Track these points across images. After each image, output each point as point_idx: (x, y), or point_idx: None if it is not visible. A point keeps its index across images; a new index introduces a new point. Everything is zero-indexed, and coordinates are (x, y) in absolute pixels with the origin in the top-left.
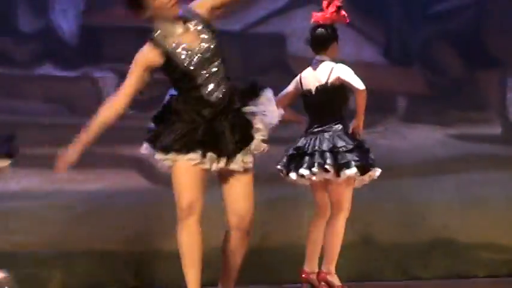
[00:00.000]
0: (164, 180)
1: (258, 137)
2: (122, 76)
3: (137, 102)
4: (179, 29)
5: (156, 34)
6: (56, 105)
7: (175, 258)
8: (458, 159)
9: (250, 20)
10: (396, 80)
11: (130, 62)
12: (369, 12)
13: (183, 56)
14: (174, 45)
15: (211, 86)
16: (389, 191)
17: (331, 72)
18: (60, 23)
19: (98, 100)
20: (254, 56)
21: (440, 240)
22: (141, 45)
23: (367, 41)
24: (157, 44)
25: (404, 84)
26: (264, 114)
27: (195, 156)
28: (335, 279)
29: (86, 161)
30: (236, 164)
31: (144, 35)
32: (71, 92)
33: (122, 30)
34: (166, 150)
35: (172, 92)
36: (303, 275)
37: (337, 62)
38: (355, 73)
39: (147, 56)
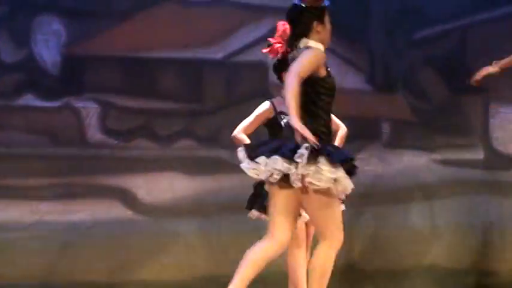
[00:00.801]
0: (145, 210)
1: None
2: (104, 106)
3: (120, 133)
4: None
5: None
6: (37, 136)
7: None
8: (443, 184)
9: (232, 49)
10: (380, 106)
11: (112, 92)
12: (352, 40)
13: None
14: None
15: None
16: (374, 217)
17: None
18: (42, 53)
19: (80, 130)
20: (237, 84)
21: (423, 265)
22: (122, 75)
23: (351, 68)
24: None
25: (388, 110)
26: None
27: None
28: None
29: (67, 192)
30: None
31: (126, 64)
32: (52, 123)
33: (104, 60)
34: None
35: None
36: None
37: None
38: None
39: (322, 57)
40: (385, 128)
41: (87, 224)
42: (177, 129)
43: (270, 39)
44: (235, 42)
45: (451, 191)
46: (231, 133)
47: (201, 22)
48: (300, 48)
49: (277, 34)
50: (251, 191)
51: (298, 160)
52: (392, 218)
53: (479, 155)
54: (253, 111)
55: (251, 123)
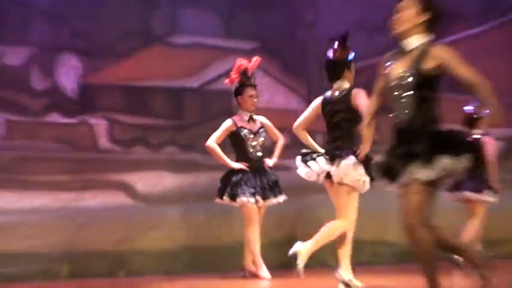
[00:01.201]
0: (141, 198)
1: None
2: (111, 122)
3: (122, 142)
4: None
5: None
6: (61, 144)
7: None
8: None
9: (205, 79)
10: (315, 122)
11: (116, 111)
12: (295, 73)
13: None
14: None
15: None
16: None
17: None
18: (64, 82)
19: (93, 140)
20: (209, 106)
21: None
22: (124, 99)
23: (294, 93)
24: None
25: (321, 125)
26: None
27: None
28: None
29: (83, 185)
30: None
31: (127, 91)
32: (72, 134)
33: (110, 88)
34: None
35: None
36: None
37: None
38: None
39: None
40: (319, 138)
41: (98, 209)
42: (164, 139)
43: (231, 73)
44: (208, 74)
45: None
46: (205, 142)
47: (182, 59)
48: (342, 89)
49: (234, 69)
50: (218, 184)
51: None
52: (323, 204)
53: None
54: (220, 126)
55: (219, 136)
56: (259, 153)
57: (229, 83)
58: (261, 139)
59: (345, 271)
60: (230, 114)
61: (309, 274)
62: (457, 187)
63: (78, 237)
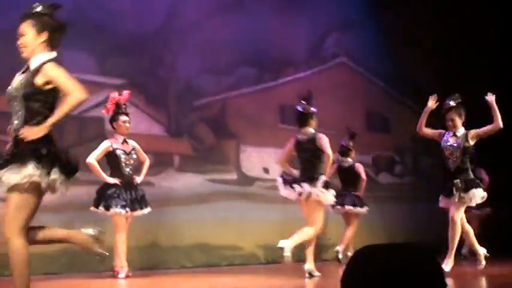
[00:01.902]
0: None
1: None
2: None
3: None
4: None
5: None
6: None
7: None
8: (211, 194)
9: (83, 108)
10: (174, 146)
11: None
12: (156, 104)
13: None
14: None
15: None
16: (170, 213)
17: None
18: None
19: None
20: (86, 130)
21: (198, 243)
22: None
23: (155, 122)
24: None
25: (178, 148)
26: None
27: None
28: None
29: None
30: None
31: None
32: None
33: None
34: None
35: None
36: None
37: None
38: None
39: None
40: (176, 159)
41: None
42: None
43: (107, 104)
44: (84, 104)
45: (216, 198)
46: (83, 160)
47: None
48: (309, 133)
49: (109, 100)
50: (93, 196)
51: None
52: (181, 214)
53: (233, 176)
54: (95, 148)
55: (98, 154)
56: (130, 171)
57: (106, 111)
58: (132, 159)
59: (310, 264)
60: (103, 137)
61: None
62: (340, 203)
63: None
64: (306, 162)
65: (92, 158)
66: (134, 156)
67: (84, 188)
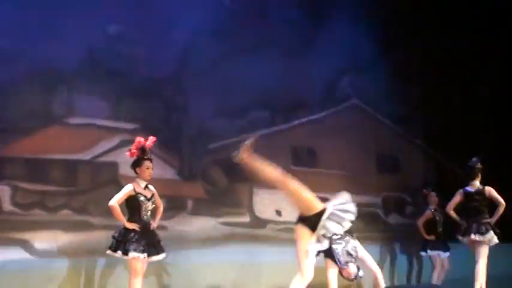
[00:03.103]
0: (38, 253)
1: None
2: (14, 188)
3: (24, 205)
4: None
5: None
6: None
7: None
8: (224, 237)
9: (95, 153)
10: (187, 190)
11: (20, 180)
12: (169, 147)
13: None
14: None
15: None
16: (185, 256)
17: None
18: None
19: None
20: (98, 175)
21: (212, 287)
22: (26, 169)
23: (168, 165)
24: None
25: (191, 191)
26: None
27: None
28: None
29: None
30: None
31: (30, 163)
32: None
33: (15, 160)
34: None
35: None
36: None
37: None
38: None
39: None
40: (189, 203)
41: (1, 262)
42: (60, 203)
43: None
44: (98, 149)
45: (229, 241)
46: (96, 205)
47: (76, 136)
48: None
49: (134, 145)
50: (106, 243)
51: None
52: (194, 258)
53: (246, 218)
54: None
55: (120, 198)
56: (149, 217)
57: (130, 155)
58: (152, 205)
59: None
60: (116, 182)
61: None
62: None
63: None
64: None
65: (115, 201)
66: (153, 202)
67: (96, 233)
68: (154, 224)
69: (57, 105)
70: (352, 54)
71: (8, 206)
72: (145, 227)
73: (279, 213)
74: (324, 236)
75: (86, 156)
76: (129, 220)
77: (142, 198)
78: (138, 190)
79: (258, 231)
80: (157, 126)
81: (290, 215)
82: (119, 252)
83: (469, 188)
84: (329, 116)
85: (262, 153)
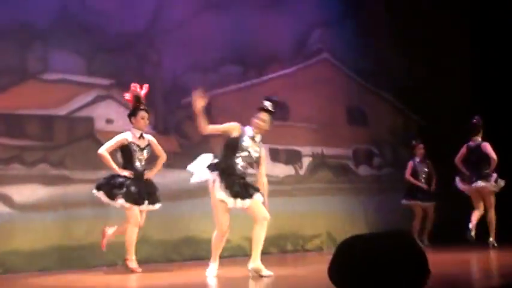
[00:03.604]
0: (17, 206)
1: None
2: None
3: (2, 160)
4: None
5: None
6: None
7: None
8: (198, 189)
9: (71, 108)
10: (161, 144)
11: None
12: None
13: None
14: None
15: None
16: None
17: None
18: None
19: None
20: (74, 130)
21: (186, 237)
22: (4, 126)
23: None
24: None
25: (166, 145)
26: None
27: None
28: None
29: None
30: None
31: (7, 119)
32: None
33: None
34: None
35: None
36: None
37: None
38: None
39: None
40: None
41: None
42: (37, 158)
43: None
44: (73, 104)
45: (203, 193)
46: (73, 159)
47: (52, 92)
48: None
49: (130, 92)
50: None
51: None
52: (170, 209)
53: None
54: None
55: (111, 146)
56: (143, 166)
57: (129, 102)
58: (148, 154)
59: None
60: (93, 137)
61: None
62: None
63: None
64: None
65: (103, 149)
66: (148, 151)
67: (74, 186)
68: (149, 174)
69: (32, 61)
70: (322, 9)
71: None
72: (138, 176)
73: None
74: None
75: (62, 111)
76: (122, 169)
77: (134, 147)
78: (131, 139)
79: None
80: (131, 81)
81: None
82: (101, 193)
83: (471, 143)
84: (300, 70)
85: (235, 107)
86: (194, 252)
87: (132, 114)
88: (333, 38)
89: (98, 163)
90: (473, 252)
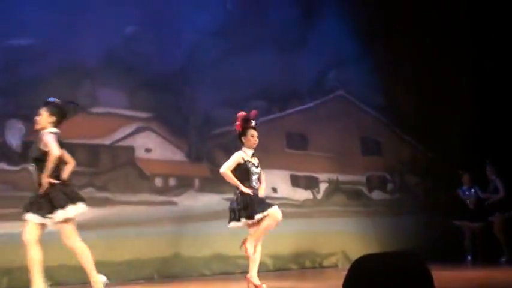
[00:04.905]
0: None
1: None
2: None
3: None
4: None
5: None
6: (6, 185)
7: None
8: (227, 211)
9: (115, 139)
10: (194, 170)
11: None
12: (178, 134)
13: None
14: None
15: None
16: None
17: None
18: (11, 140)
19: (32, 183)
20: (118, 158)
21: (216, 253)
22: None
23: (178, 149)
24: None
25: (198, 171)
26: None
27: None
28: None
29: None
30: None
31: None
32: (15, 178)
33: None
34: None
35: None
36: None
37: None
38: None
39: None
40: (196, 181)
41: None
42: (84, 182)
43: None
44: (117, 135)
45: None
46: (115, 183)
47: (98, 124)
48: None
49: (237, 119)
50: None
51: None
52: (201, 229)
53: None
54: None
55: (230, 165)
56: (257, 184)
57: (236, 128)
58: (259, 172)
59: None
60: (133, 164)
61: None
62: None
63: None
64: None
65: (225, 168)
66: (260, 169)
67: (115, 207)
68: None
69: (82, 96)
70: (338, 50)
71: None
72: (256, 193)
73: (275, 190)
74: None
75: (107, 141)
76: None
77: (250, 165)
78: (246, 158)
79: None
80: (168, 115)
81: (285, 191)
82: (243, 220)
83: None
84: (318, 105)
85: (260, 139)
86: (224, 267)
87: (242, 134)
88: (347, 76)
89: (138, 187)
90: None
